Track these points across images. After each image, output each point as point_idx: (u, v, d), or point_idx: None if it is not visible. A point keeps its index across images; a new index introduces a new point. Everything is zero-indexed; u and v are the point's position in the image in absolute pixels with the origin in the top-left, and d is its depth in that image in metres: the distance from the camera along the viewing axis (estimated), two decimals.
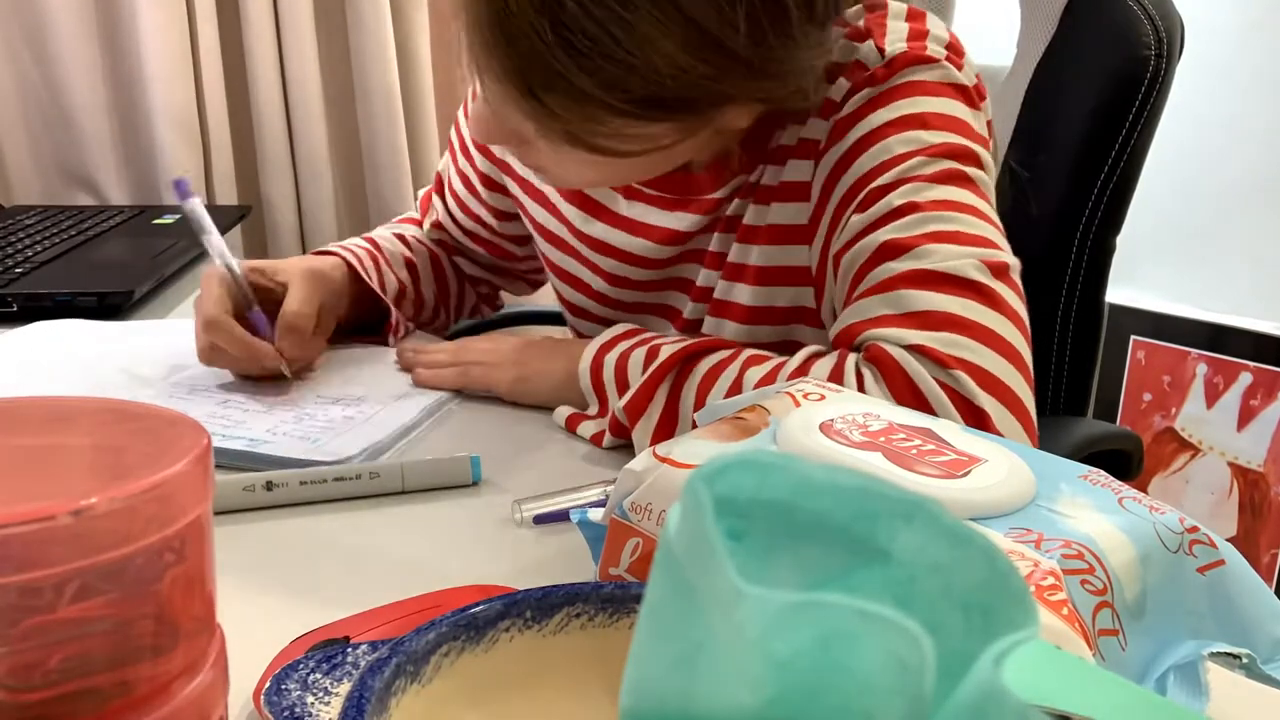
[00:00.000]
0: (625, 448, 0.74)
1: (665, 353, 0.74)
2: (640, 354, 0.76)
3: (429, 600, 0.51)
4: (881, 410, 0.51)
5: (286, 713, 0.40)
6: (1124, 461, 0.99)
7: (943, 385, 0.64)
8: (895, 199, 0.71)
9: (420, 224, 1.08)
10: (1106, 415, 1.92)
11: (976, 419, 0.63)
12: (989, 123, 0.80)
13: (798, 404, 0.52)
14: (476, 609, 0.38)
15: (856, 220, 0.73)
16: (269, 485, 0.66)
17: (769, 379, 0.70)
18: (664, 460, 0.49)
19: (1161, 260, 1.85)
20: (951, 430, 0.50)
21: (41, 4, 1.55)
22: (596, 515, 0.53)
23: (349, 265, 0.95)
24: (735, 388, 0.70)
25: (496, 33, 0.66)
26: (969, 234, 0.70)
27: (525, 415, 0.83)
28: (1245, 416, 1.79)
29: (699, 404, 0.71)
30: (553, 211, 0.93)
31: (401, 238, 1.04)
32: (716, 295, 0.85)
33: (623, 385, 0.76)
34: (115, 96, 1.62)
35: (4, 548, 0.29)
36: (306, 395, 0.84)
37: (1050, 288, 1.03)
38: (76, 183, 1.64)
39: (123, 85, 1.62)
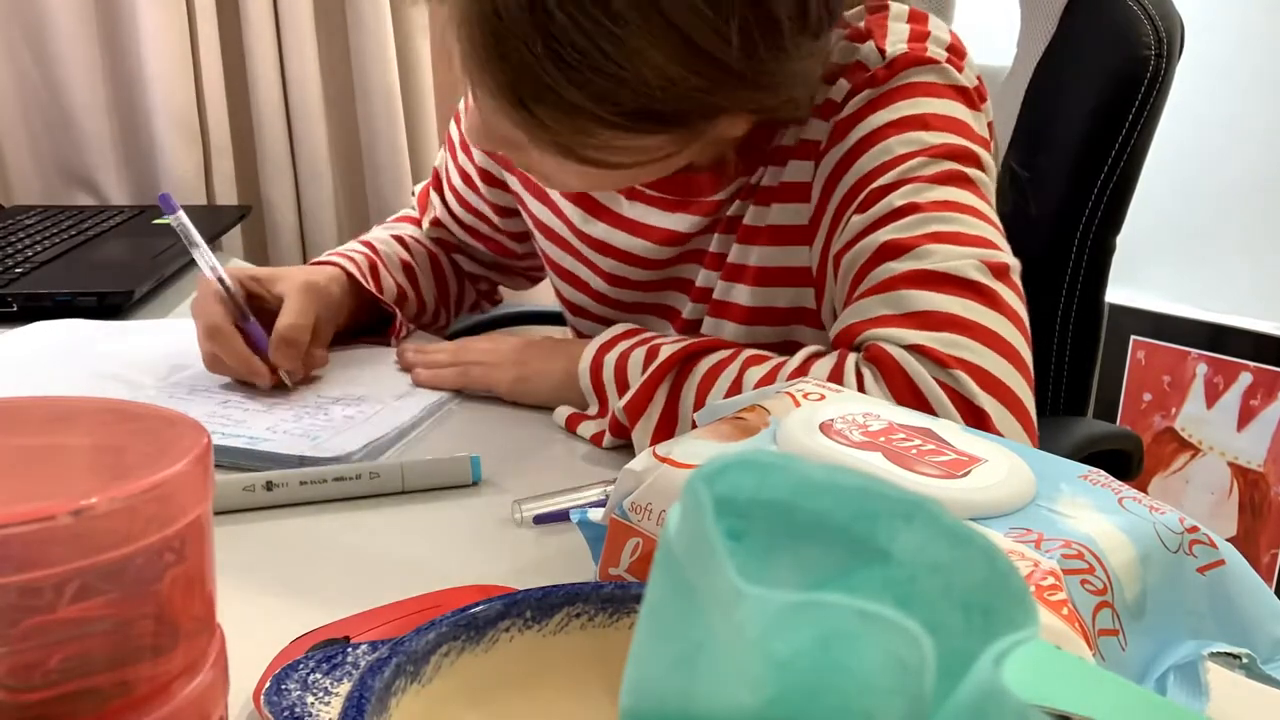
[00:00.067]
0: (625, 448, 0.74)
1: (665, 353, 0.74)
2: (640, 354, 0.76)
3: (429, 600, 0.51)
4: (881, 410, 0.51)
5: (286, 713, 0.40)
6: (1124, 461, 0.99)
7: (943, 385, 0.64)
8: (896, 199, 0.71)
9: (418, 222, 1.08)
10: (1106, 415, 1.92)
11: (976, 419, 0.63)
12: (990, 124, 0.80)
13: (798, 404, 0.52)
14: (476, 609, 0.38)
15: (857, 221, 0.73)
16: (269, 485, 0.66)
17: (769, 379, 0.70)
18: (664, 460, 0.49)
19: (1161, 260, 1.85)
20: (951, 430, 0.50)
21: (41, 4, 1.55)
22: (596, 515, 0.53)
23: (348, 274, 0.95)
24: (735, 388, 0.70)
25: (488, 44, 0.66)
26: (969, 234, 0.70)
27: (525, 415, 0.83)
28: (1245, 416, 1.79)
29: (699, 404, 0.71)
30: (553, 210, 0.93)
31: (399, 239, 1.04)
32: (716, 296, 0.85)
33: (623, 385, 0.76)
34: (115, 96, 1.62)
35: (4, 548, 0.29)
36: (307, 395, 0.84)
37: (1050, 288, 1.03)
38: (76, 183, 1.64)
39: (123, 85, 1.62)
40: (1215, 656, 0.42)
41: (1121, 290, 1.85)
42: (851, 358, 0.68)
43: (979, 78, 0.79)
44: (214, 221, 1.43)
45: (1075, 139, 1.00)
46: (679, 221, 0.85)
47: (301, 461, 0.71)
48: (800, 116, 0.77)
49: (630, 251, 0.88)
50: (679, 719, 0.24)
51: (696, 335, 0.84)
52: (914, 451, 0.47)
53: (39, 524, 0.29)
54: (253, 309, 0.85)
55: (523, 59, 0.65)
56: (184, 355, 0.88)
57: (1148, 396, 1.90)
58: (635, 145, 0.70)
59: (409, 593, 0.52)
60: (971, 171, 0.73)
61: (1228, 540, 0.44)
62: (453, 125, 1.03)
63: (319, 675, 0.41)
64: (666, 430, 0.72)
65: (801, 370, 0.69)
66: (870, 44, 0.76)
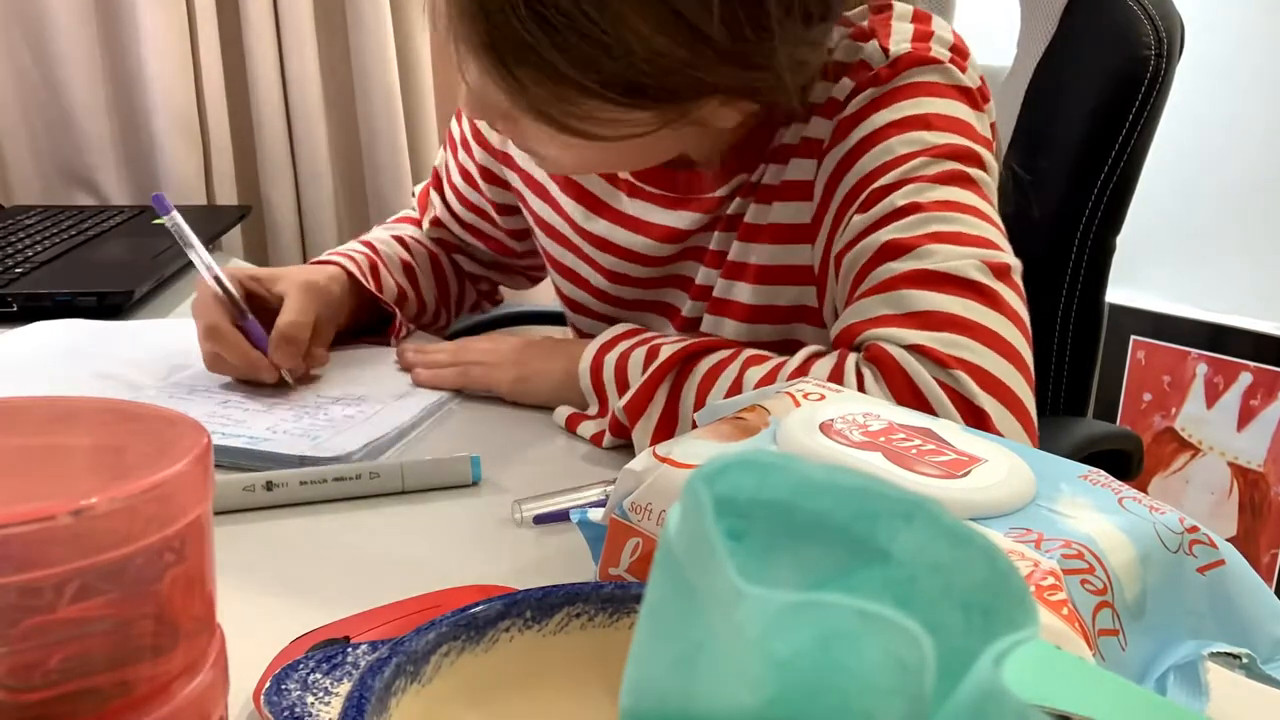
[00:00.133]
0: (625, 448, 0.74)
1: (665, 352, 0.74)
2: (640, 354, 0.76)
3: (429, 600, 0.51)
4: (881, 410, 0.51)
5: (286, 713, 0.40)
6: (1124, 461, 0.99)
7: (943, 385, 0.64)
8: (897, 199, 0.71)
9: (418, 222, 1.08)
10: (1106, 415, 1.92)
11: (976, 419, 0.63)
12: (992, 124, 0.80)
13: (798, 404, 0.52)
14: (476, 609, 0.38)
15: (858, 220, 0.73)
16: (269, 485, 0.66)
17: (769, 379, 0.70)
18: (664, 460, 0.49)
19: (1161, 260, 1.85)
20: (951, 430, 0.50)
21: (41, 4, 1.55)
22: (596, 515, 0.53)
23: (348, 273, 0.95)
24: (735, 387, 0.70)
25: (473, 3, 0.66)
26: (970, 235, 0.70)
27: (525, 415, 0.83)
28: (1245, 416, 1.79)
29: (699, 404, 0.71)
30: (554, 206, 0.93)
31: (400, 239, 1.04)
32: (716, 294, 0.85)
33: (623, 385, 0.76)
34: (115, 96, 1.62)
35: (4, 548, 0.29)
36: (307, 395, 0.84)
37: (1050, 288, 1.03)
38: (76, 183, 1.64)
39: (123, 85, 1.62)
40: (1215, 656, 0.42)
41: (1121, 290, 1.85)
42: (852, 357, 0.68)
43: (982, 78, 0.79)
44: (214, 221, 1.43)
45: (1075, 139, 1.00)
46: (680, 219, 0.85)
47: (301, 461, 0.71)
48: (792, 107, 0.77)
49: (631, 249, 0.88)
50: (679, 719, 0.24)
51: (697, 333, 0.84)
52: (914, 451, 0.47)
53: (39, 524, 0.29)
54: (253, 308, 0.85)
55: (506, 18, 0.65)
56: (184, 355, 0.88)
57: (1148, 396, 1.90)
58: (620, 118, 0.70)
59: (409, 593, 0.52)
60: (973, 172, 0.73)
61: (1228, 540, 0.44)
62: (453, 123, 1.03)
63: (319, 675, 0.41)
64: (666, 430, 0.72)
65: (802, 370, 0.69)
66: (874, 43, 0.76)
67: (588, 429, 0.78)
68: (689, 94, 0.70)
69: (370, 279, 0.96)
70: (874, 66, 0.76)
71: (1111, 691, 0.23)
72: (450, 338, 1.01)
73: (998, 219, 0.73)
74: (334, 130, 1.72)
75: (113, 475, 0.33)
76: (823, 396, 0.53)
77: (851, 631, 0.22)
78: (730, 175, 0.82)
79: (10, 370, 0.89)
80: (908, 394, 0.65)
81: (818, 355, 0.70)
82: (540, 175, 0.92)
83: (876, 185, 0.73)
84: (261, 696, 0.41)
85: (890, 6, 0.79)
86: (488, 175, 0.99)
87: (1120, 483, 0.46)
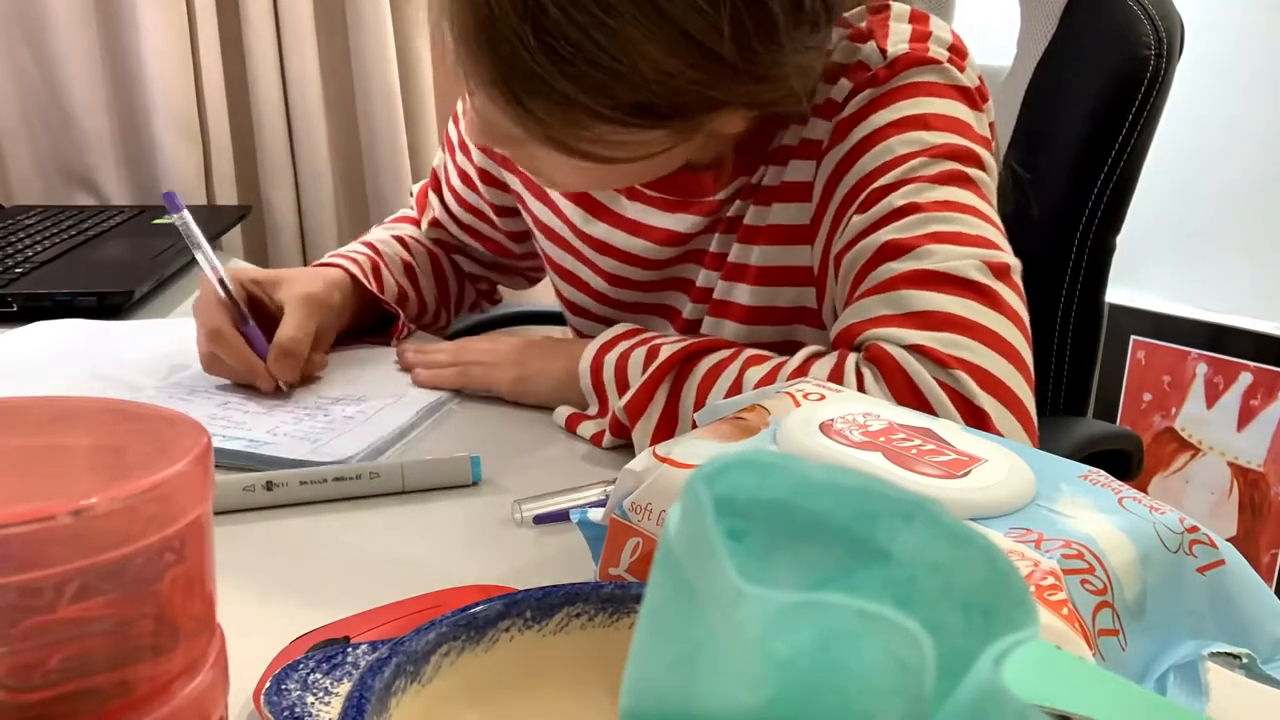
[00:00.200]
0: (625, 448, 0.74)
1: (665, 352, 0.74)
2: (640, 354, 0.76)
3: (429, 600, 0.51)
4: (881, 410, 0.51)
5: (286, 713, 0.40)
6: (1124, 461, 0.99)
7: (943, 385, 0.64)
8: (897, 199, 0.71)
9: (416, 222, 1.08)
10: (1106, 415, 1.92)
11: (976, 419, 0.63)
12: (991, 124, 0.80)
13: (798, 404, 0.52)
14: (476, 609, 0.38)
15: (858, 220, 0.73)
16: (269, 485, 0.66)
17: (769, 379, 0.70)
18: (664, 460, 0.49)
19: (1161, 260, 1.85)
20: (951, 430, 0.50)
21: (41, 4, 1.55)
22: (596, 515, 0.53)
23: (351, 276, 0.95)
24: (735, 388, 0.70)
25: (481, 37, 0.66)
26: (970, 235, 0.70)
27: (525, 415, 0.83)
28: (1245, 416, 1.79)
29: (699, 404, 0.71)
30: (554, 210, 0.93)
31: (400, 239, 1.04)
32: (716, 296, 0.85)
33: (623, 385, 0.76)
34: (115, 96, 1.62)
35: (4, 548, 0.29)
36: (307, 396, 0.84)
37: (1050, 288, 1.03)
38: (76, 183, 1.64)
39: (123, 85, 1.62)
40: (1215, 656, 0.42)
41: (1121, 290, 1.85)
42: (852, 358, 0.68)
43: (980, 78, 0.79)
44: (214, 221, 1.43)
45: (1075, 139, 1.00)
46: (679, 221, 0.85)
47: (301, 466, 0.71)
48: (799, 112, 0.77)
49: (631, 251, 0.88)
50: (679, 719, 0.24)
51: (697, 335, 0.83)
52: (914, 451, 0.47)
53: (39, 524, 0.29)
54: (253, 312, 0.85)
55: (514, 51, 0.65)
56: (184, 355, 0.88)
57: (1148, 396, 1.90)
58: (631, 140, 0.70)
59: (409, 593, 0.52)
60: (972, 171, 0.73)
61: (1228, 540, 0.44)
62: (451, 125, 1.03)
63: (319, 675, 0.41)
64: (666, 430, 0.72)
65: (801, 370, 0.69)
66: (872, 44, 0.76)
67: (588, 429, 0.78)
68: (700, 110, 0.70)
69: (372, 280, 0.96)
70: (872, 67, 0.76)
71: (1111, 691, 0.23)
72: (450, 338, 1.01)
73: (997, 219, 0.73)
74: (334, 130, 1.72)
75: (113, 475, 0.33)
76: (823, 396, 0.53)
77: (851, 631, 0.22)
78: (730, 178, 0.82)
79: (10, 370, 0.89)
80: (908, 394, 0.65)
81: (817, 355, 0.70)
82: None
83: (875, 186, 0.73)
84: (261, 696, 0.41)
85: (888, 7, 0.79)
86: (486, 178, 0.99)
87: (1120, 483, 0.46)
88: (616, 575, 0.49)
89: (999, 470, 0.45)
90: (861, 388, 0.66)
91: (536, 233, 0.97)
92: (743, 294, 0.83)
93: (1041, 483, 0.45)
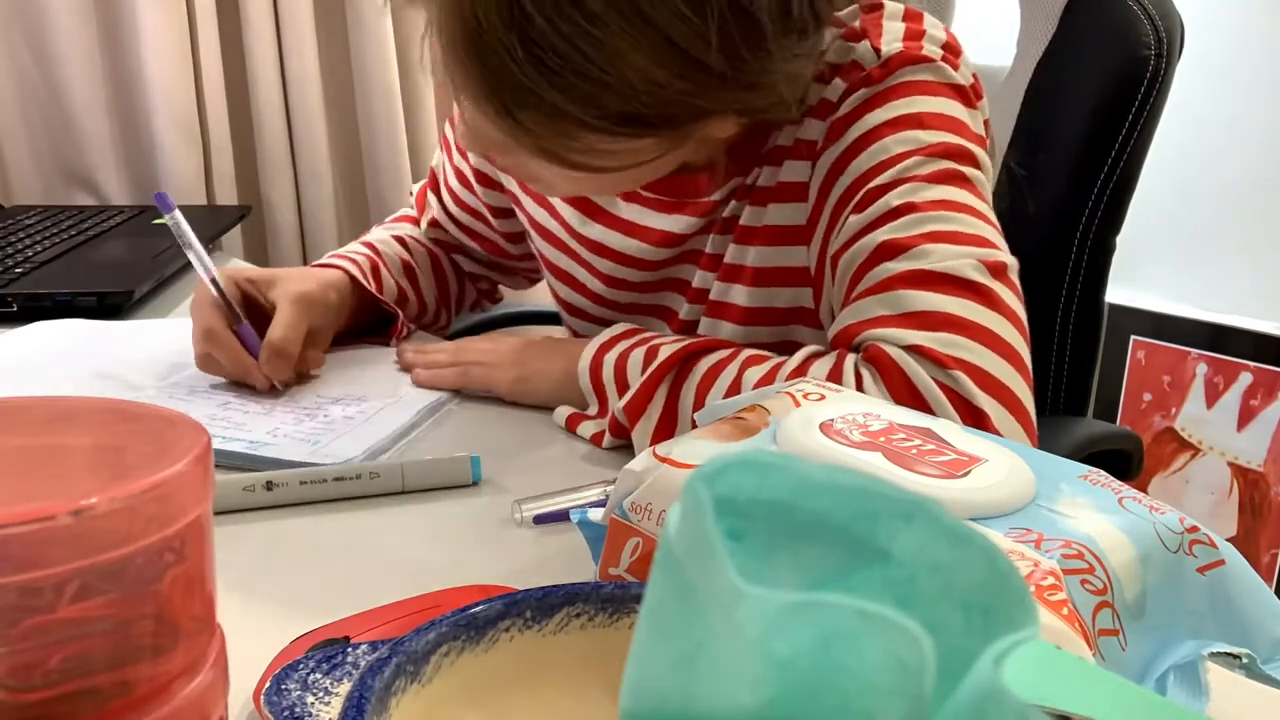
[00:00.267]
0: (625, 448, 0.74)
1: (664, 353, 0.74)
2: (639, 354, 0.76)
3: (429, 600, 0.51)
4: (881, 410, 0.51)
5: (286, 713, 0.40)
6: (1124, 461, 0.99)
7: (941, 385, 0.64)
8: (893, 199, 0.71)
9: (416, 222, 1.08)
10: (1106, 415, 1.92)
11: (975, 419, 0.63)
12: (986, 122, 0.80)
13: (797, 404, 0.52)
14: (476, 609, 0.38)
15: (854, 221, 0.73)
16: (269, 485, 0.66)
17: (768, 379, 0.70)
18: (664, 460, 0.49)
19: (1161, 260, 1.85)
20: (951, 430, 0.50)
21: (41, 4, 1.55)
22: (596, 515, 0.53)
23: (350, 276, 0.95)
24: (734, 388, 0.70)
25: (468, 49, 0.66)
26: (967, 234, 0.70)
27: (525, 415, 0.83)
28: (1245, 416, 1.79)
29: (698, 404, 0.71)
30: (550, 211, 0.93)
31: (400, 239, 1.04)
32: (713, 297, 0.85)
33: (622, 385, 0.76)
34: (115, 96, 1.62)
35: (4, 548, 0.29)
36: (307, 396, 0.84)
37: (1050, 287, 1.03)
38: (76, 183, 1.64)
39: (123, 85, 1.62)
40: (1215, 656, 0.42)
41: (1121, 290, 1.85)
42: (850, 358, 0.68)
43: (975, 75, 0.79)
44: (214, 221, 1.43)
45: (1075, 139, 1.00)
46: (675, 223, 0.85)
47: (301, 467, 0.71)
48: (791, 117, 0.77)
49: (627, 253, 0.88)
50: (679, 719, 0.24)
51: (695, 336, 0.83)
52: (914, 451, 0.47)
53: (39, 524, 0.29)
54: (248, 311, 0.85)
55: (503, 63, 0.65)
56: (184, 355, 0.88)
57: (1148, 396, 1.90)
58: (621, 149, 0.70)
59: (409, 593, 0.52)
60: (968, 170, 0.73)
61: (1228, 540, 0.44)
62: (448, 126, 1.03)
63: (319, 675, 0.41)
64: (666, 430, 0.72)
65: (800, 370, 0.69)
66: (865, 43, 0.76)
67: (588, 429, 0.78)
68: (689, 119, 0.70)
69: (371, 280, 0.96)
70: (866, 67, 0.75)
71: (1111, 691, 0.23)
72: (450, 338, 1.01)
73: (993, 217, 0.73)
74: (334, 130, 1.72)
75: (113, 475, 0.33)
76: (822, 396, 0.53)
77: (851, 631, 0.22)
78: (725, 179, 0.82)
79: (10, 370, 0.89)
80: (906, 394, 0.64)
81: (816, 355, 0.70)
82: None
83: (871, 185, 0.72)
84: (261, 696, 0.41)
85: (881, 6, 0.79)
86: (482, 179, 0.99)
87: (1120, 483, 0.46)
88: (616, 575, 0.49)
89: (999, 470, 0.45)
90: (860, 388, 0.66)
91: (532, 233, 0.97)
92: (739, 295, 0.83)
93: (1041, 483, 0.45)
